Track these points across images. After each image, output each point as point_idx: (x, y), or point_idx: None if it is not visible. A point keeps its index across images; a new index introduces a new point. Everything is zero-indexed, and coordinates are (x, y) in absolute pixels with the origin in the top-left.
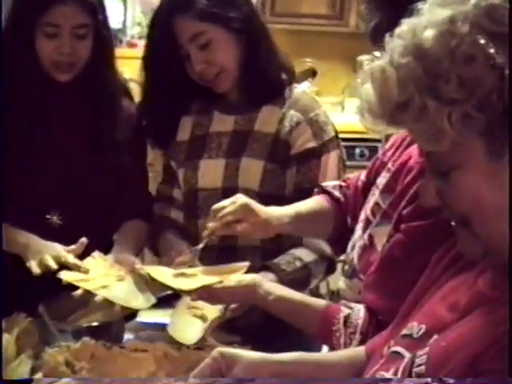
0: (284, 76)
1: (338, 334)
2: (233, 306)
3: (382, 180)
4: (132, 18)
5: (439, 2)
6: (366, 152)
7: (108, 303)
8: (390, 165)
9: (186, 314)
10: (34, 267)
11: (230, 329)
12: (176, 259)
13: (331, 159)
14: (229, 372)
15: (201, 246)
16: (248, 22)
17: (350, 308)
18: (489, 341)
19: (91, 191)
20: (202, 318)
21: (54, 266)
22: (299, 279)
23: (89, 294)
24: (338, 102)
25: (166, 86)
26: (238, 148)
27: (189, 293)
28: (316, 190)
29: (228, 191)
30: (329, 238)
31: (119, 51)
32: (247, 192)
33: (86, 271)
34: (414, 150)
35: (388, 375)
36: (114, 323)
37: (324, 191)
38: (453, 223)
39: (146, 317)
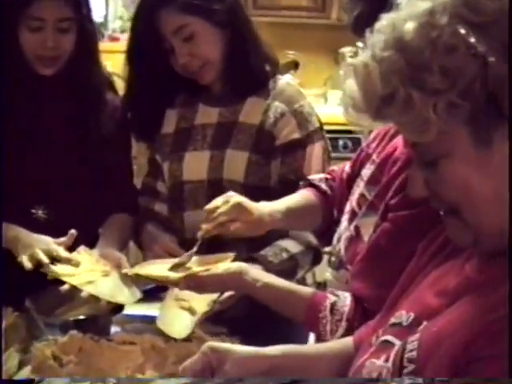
0: (268, 68)
1: (325, 321)
2: (221, 298)
3: (366, 172)
4: (114, 12)
5: None
6: (350, 144)
7: (94, 298)
8: (374, 156)
9: (173, 307)
10: (26, 262)
11: (216, 320)
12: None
13: (316, 150)
14: (220, 367)
15: (195, 248)
16: (232, 15)
17: (337, 296)
18: (479, 327)
19: (76, 185)
20: (190, 310)
21: (45, 260)
22: (286, 270)
23: (75, 289)
24: (320, 93)
25: (150, 79)
26: (223, 140)
27: (176, 283)
28: (302, 183)
29: (213, 183)
30: (316, 231)
31: (101, 45)
32: (232, 183)
33: (77, 264)
34: (398, 141)
35: (379, 363)
36: (101, 316)
37: (310, 184)
38: (441, 212)
39: (133, 310)
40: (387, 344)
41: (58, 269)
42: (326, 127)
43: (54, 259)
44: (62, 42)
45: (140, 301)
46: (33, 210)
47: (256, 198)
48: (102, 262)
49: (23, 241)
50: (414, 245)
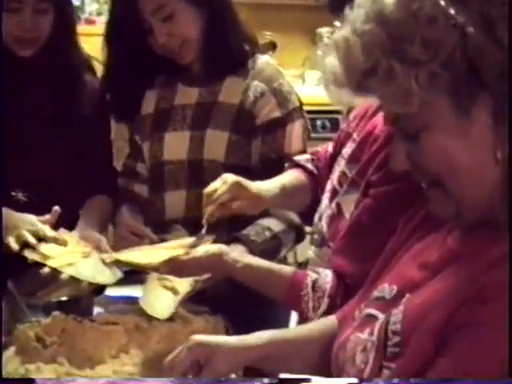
0: (247, 47)
1: (307, 298)
2: (203, 277)
3: (347, 150)
4: None
5: None
6: (328, 124)
7: (75, 280)
8: (355, 135)
9: (156, 287)
10: (13, 243)
11: (198, 299)
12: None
13: (296, 128)
14: (208, 363)
15: (203, 230)
16: None
17: (317, 273)
18: (464, 296)
19: (56, 167)
20: (173, 290)
21: (32, 241)
22: (269, 249)
23: (56, 271)
24: (298, 74)
25: (129, 60)
26: (203, 120)
27: (156, 268)
28: (288, 164)
29: (193, 163)
30: (304, 210)
31: (78, 28)
32: (213, 163)
33: (65, 243)
34: (378, 119)
35: (363, 336)
36: (84, 297)
37: (297, 165)
38: (423, 185)
39: (115, 291)
40: (371, 318)
41: (45, 249)
42: (304, 108)
43: (41, 239)
44: (40, 23)
45: (122, 282)
46: (13, 193)
47: None
48: (82, 243)
49: (8, 221)
50: (395, 220)
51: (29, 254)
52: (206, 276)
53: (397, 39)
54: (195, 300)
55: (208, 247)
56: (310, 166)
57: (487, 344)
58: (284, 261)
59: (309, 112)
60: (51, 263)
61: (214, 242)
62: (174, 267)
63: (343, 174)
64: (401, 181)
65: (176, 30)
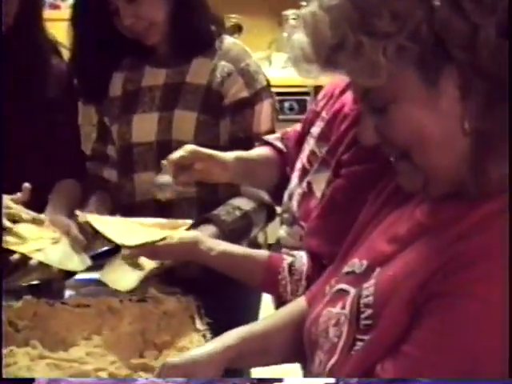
0: (214, 28)
1: (284, 282)
2: None
3: (316, 129)
4: None
5: None
6: (295, 105)
7: (44, 265)
8: (323, 114)
9: (120, 263)
10: None
11: (169, 280)
12: None
13: (264, 108)
14: (190, 379)
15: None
16: None
17: (293, 255)
18: (434, 267)
19: (23, 151)
20: (138, 266)
21: (9, 225)
22: (240, 228)
23: (25, 257)
24: (265, 56)
25: (96, 42)
26: (171, 101)
27: (129, 248)
28: (257, 143)
29: (162, 144)
30: (270, 189)
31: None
32: (181, 144)
33: (41, 222)
34: (347, 97)
35: (335, 310)
36: (55, 280)
37: (266, 143)
38: (392, 159)
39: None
40: (342, 292)
41: (22, 230)
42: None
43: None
44: (5, 5)
45: (93, 268)
46: None
47: None
48: (51, 228)
49: None
50: (368, 199)
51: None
52: None
53: (364, 13)
54: (166, 281)
55: (183, 234)
56: (279, 144)
57: (461, 313)
58: (254, 241)
59: (276, 94)
60: (20, 249)
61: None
62: (148, 251)
63: (313, 152)
64: (371, 161)
65: (142, 11)
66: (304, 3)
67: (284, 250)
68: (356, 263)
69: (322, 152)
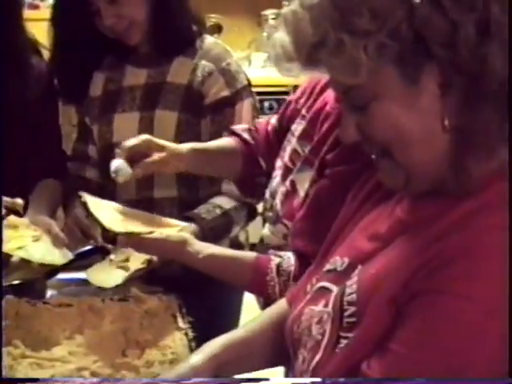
0: (195, 27)
1: (273, 283)
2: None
3: (297, 127)
4: None
5: None
6: (275, 105)
7: (25, 262)
8: (304, 111)
9: (106, 264)
10: None
11: (151, 279)
12: None
13: (245, 107)
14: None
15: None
16: None
17: (280, 256)
18: (416, 265)
19: (4, 152)
20: (124, 268)
21: None
22: (220, 227)
23: (6, 256)
24: (244, 56)
25: (77, 42)
26: (152, 101)
27: (116, 235)
28: (226, 133)
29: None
30: (236, 180)
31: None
32: None
33: (20, 205)
34: (328, 96)
35: (318, 308)
36: (37, 280)
37: (233, 134)
38: (373, 156)
39: (68, 274)
40: (324, 290)
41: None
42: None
43: None
44: None
45: (75, 267)
46: None
47: None
48: (32, 227)
49: None
50: None
51: None
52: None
53: (344, 11)
54: (148, 280)
55: (173, 233)
56: (245, 135)
57: (443, 311)
58: (235, 240)
59: (256, 94)
60: (2, 249)
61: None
62: (133, 241)
63: (295, 151)
64: (355, 161)
65: (123, 11)
66: (286, 3)
67: (271, 250)
68: (337, 261)
69: (304, 151)
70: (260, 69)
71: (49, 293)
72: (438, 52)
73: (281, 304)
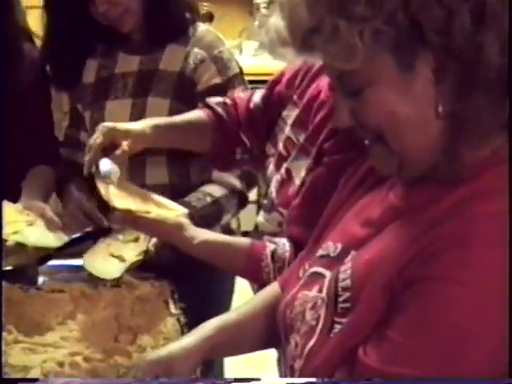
0: (188, 15)
1: (267, 269)
2: (151, 249)
3: (289, 114)
4: None
5: None
6: None
7: (20, 247)
8: (295, 98)
9: (102, 252)
10: None
11: (143, 265)
12: None
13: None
14: (168, 375)
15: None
16: None
17: (275, 243)
18: (410, 253)
19: None
20: (120, 257)
21: None
22: (211, 215)
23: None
24: (235, 45)
25: (70, 29)
26: (144, 88)
27: (113, 209)
28: (200, 105)
29: None
30: (207, 154)
31: None
32: None
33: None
34: (322, 83)
35: (312, 294)
36: (29, 266)
37: (207, 106)
38: (366, 142)
39: (60, 261)
40: (317, 276)
41: None
42: None
43: None
44: None
45: (68, 255)
46: None
47: None
48: (26, 212)
49: None
50: None
51: None
52: (152, 243)
53: None
54: (141, 267)
55: (170, 215)
56: (219, 109)
57: (438, 298)
58: (227, 228)
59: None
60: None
61: None
62: (130, 219)
63: (289, 139)
64: (352, 149)
65: None
66: None
67: (266, 237)
68: (330, 246)
69: (299, 139)
70: (251, 57)
71: (40, 279)
72: (433, 39)
73: (273, 287)
